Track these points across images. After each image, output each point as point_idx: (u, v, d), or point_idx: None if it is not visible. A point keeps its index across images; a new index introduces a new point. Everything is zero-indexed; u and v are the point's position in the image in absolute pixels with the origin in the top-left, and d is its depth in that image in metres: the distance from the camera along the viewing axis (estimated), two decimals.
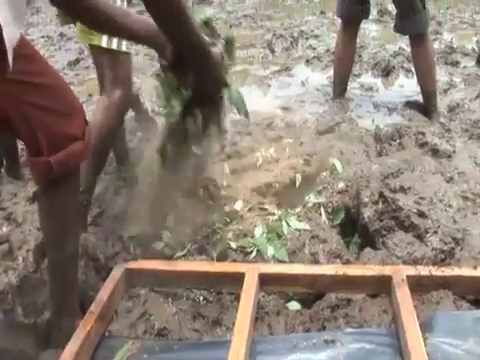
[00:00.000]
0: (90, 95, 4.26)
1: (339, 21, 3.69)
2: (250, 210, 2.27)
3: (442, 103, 3.52)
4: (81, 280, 1.96)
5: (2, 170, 2.98)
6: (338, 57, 3.64)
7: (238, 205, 2.30)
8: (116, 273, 1.91)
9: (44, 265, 2.07)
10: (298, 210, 2.23)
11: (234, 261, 1.98)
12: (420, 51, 3.33)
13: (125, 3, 2.31)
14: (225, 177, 2.50)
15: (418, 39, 3.31)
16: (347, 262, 1.96)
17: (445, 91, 3.80)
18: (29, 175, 2.96)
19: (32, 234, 2.32)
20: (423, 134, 2.80)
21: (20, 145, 3.24)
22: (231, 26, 6.41)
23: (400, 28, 3.36)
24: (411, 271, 1.75)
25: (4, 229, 2.42)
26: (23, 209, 2.56)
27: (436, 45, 4.58)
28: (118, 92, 2.26)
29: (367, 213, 2.08)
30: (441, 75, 3.96)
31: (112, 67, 2.30)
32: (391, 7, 5.57)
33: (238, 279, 1.78)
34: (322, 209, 2.23)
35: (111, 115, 2.28)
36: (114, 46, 2.23)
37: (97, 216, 2.43)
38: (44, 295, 1.96)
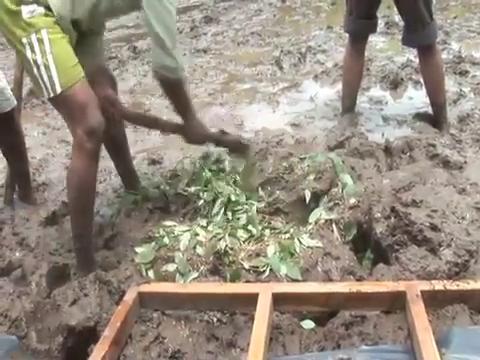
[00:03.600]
0: None
1: (347, 35, 3.70)
2: (262, 229, 2.26)
3: (452, 114, 3.50)
4: (95, 304, 1.97)
5: (15, 196, 3.00)
6: (346, 72, 3.64)
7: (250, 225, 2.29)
8: (129, 297, 1.91)
9: (57, 291, 2.08)
10: (310, 227, 2.22)
11: (247, 281, 1.97)
12: (429, 63, 3.32)
13: None
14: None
15: (426, 51, 3.29)
16: (360, 278, 1.95)
17: (454, 101, 3.77)
18: (41, 200, 2.99)
19: (45, 259, 2.34)
20: (434, 146, 2.79)
21: (32, 170, 3.28)
22: (239, 44, 6.45)
23: (408, 41, 3.35)
24: (425, 286, 1.74)
25: (17, 254, 2.44)
26: (36, 234, 2.58)
27: (444, 55, 4.56)
28: (74, 133, 2.12)
29: (379, 228, 2.07)
30: (450, 85, 3.94)
31: (63, 112, 2.21)
32: (398, 18, 5.56)
33: (252, 299, 1.78)
34: (334, 225, 2.21)
35: (74, 158, 2.18)
36: (50, 95, 2.09)
37: (109, 239, 2.44)
38: (57, 320, 1.97)
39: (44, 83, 2.05)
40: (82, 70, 2.13)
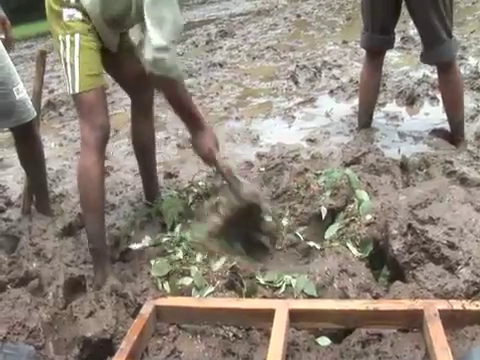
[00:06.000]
0: (116, 130, 4.33)
1: (362, 50, 3.70)
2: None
3: (469, 130, 3.47)
4: (111, 316, 1.98)
5: (32, 206, 3.03)
6: (363, 87, 3.64)
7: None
8: (146, 310, 1.91)
9: (74, 302, 2.09)
10: (326, 243, 2.22)
11: (264, 297, 1.97)
12: (446, 81, 3.29)
13: None
14: None
15: (444, 68, 3.27)
16: (377, 296, 1.94)
17: (472, 118, 3.74)
18: (58, 211, 3.01)
19: (62, 270, 2.36)
20: (451, 163, 2.78)
21: (49, 181, 3.31)
22: (254, 58, 6.48)
23: (425, 58, 3.33)
24: (443, 305, 1.72)
25: (34, 265, 2.45)
26: (53, 245, 2.60)
27: (461, 70, 4.50)
28: (83, 130, 2.32)
29: (396, 245, 2.05)
30: (467, 101, 3.89)
31: (76, 109, 2.40)
32: (413, 33, 5.56)
33: (268, 315, 1.77)
34: (350, 242, 2.21)
35: (81, 154, 2.34)
36: (69, 92, 2.31)
37: (125, 252, 2.45)
38: (74, 331, 1.98)
39: (68, 80, 2.28)
40: (102, 81, 2.34)
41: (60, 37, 2.26)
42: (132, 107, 2.75)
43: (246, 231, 2.42)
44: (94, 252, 2.33)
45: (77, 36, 2.23)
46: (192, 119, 2.44)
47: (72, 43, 2.24)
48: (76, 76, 2.24)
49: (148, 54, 2.14)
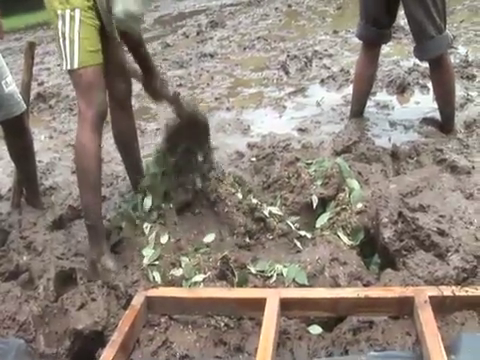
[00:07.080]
0: (107, 122, 4.29)
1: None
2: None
3: (459, 118, 3.46)
4: (103, 308, 1.98)
5: (22, 199, 3.01)
6: (358, 78, 3.61)
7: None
8: (137, 301, 1.91)
9: (65, 294, 2.08)
10: (317, 232, 2.22)
11: (255, 286, 1.98)
12: (438, 75, 3.26)
13: None
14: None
15: (434, 63, 3.23)
16: (368, 284, 1.95)
17: (462, 106, 3.73)
18: (48, 204, 3.00)
19: (52, 263, 2.34)
20: (441, 151, 2.78)
21: (39, 174, 3.29)
22: (245, 49, 6.46)
23: (416, 53, 3.29)
24: (434, 292, 1.74)
25: (24, 258, 2.44)
26: (43, 238, 2.58)
27: (451, 59, 4.53)
28: (80, 106, 2.31)
29: (387, 233, 2.06)
30: (457, 89, 3.88)
31: (74, 85, 2.39)
32: (404, 23, 5.54)
33: (259, 304, 1.78)
34: (341, 231, 2.22)
35: (78, 130, 2.32)
36: (67, 67, 2.29)
37: (115, 244, 2.44)
38: (65, 324, 1.98)
39: (65, 55, 2.25)
40: (101, 58, 2.30)
41: (59, 12, 2.21)
42: (109, 101, 2.71)
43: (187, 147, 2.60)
44: (90, 228, 2.35)
45: (77, 11, 2.20)
46: (148, 65, 2.58)
47: (72, 18, 2.21)
48: (75, 51, 2.22)
49: (115, 11, 2.19)
